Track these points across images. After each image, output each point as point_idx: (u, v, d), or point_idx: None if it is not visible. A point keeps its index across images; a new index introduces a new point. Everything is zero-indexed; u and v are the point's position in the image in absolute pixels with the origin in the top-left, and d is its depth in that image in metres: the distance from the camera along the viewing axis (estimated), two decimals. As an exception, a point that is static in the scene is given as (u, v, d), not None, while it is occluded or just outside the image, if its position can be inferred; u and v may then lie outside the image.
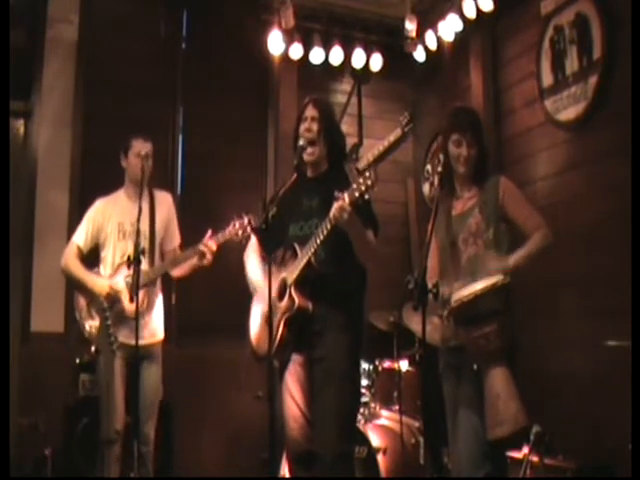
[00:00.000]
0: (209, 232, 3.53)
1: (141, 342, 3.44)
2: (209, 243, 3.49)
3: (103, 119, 4.75)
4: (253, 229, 3.29)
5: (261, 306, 3.07)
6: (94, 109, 4.75)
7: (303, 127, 3.01)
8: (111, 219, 3.66)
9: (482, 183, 2.95)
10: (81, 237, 3.65)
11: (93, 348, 3.52)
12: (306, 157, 2.97)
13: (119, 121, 4.72)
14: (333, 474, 2.74)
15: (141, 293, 3.42)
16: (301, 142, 2.95)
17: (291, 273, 2.87)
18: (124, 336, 3.42)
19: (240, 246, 3.34)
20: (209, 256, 3.51)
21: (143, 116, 4.85)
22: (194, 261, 3.58)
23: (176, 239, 3.77)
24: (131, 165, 3.64)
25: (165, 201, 3.82)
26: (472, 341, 2.67)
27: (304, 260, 2.83)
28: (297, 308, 2.82)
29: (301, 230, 2.95)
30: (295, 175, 3.00)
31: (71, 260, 3.62)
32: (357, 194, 2.59)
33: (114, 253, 3.61)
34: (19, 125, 4.68)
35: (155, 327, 3.67)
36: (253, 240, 3.25)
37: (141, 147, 3.65)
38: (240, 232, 3.39)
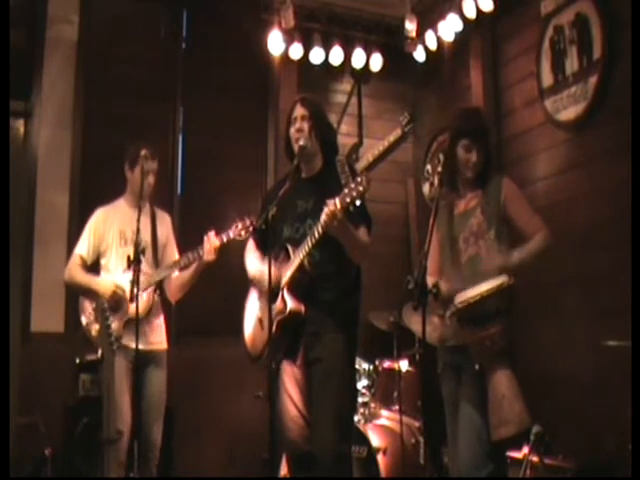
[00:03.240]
0: (213, 231, 3.53)
1: (148, 347, 3.50)
2: (212, 239, 3.49)
3: (103, 119, 4.75)
4: (255, 230, 3.29)
5: (255, 306, 3.08)
6: (94, 109, 4.74)
7: (294, 128, 3.00)
8: (112, 227, 3.66)
9: (485, 184, 2.95)
10: (84, 247, 3.65)
11: (100, 352, 3.51)
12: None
13: (119, 121, 4.72)
14: (332, 475, 2.74)
15: (146, 295, 3.47)
16: (302, 142, 2.93)
17: (283, 275, 2.87)
18: (131, 339, 3.38)
19: (240, 249, 3.34)
20: (213, 252, 3.48)
21: (143, 116, 4.85)
22: (195, 267, 3.58)
23: (175, 257, 3.75)
24: (135, 179, 3.60)
25: (165, 221, 3.84)
26: (477, 342, 2.68)
27: (296, 262, 2.82)
28: (290, 311, 2.82)
29: (297, 232, 2.93)
30: (295, 176, 2.99)
31: (75, 270, 3.63)
32: (348, 199, 2.57)
33: (116, 260, 3.61)
34: (19, 125, 4.68)
35: (162, 333, 3.69)
36: (250, 243, 3.25)
37: (148, 165, 3.60)
38: (243, 233, 3.40)
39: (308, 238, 2.77)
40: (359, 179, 2.59)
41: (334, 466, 2.74)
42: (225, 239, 3.48)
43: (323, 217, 2.63)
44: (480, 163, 2.93)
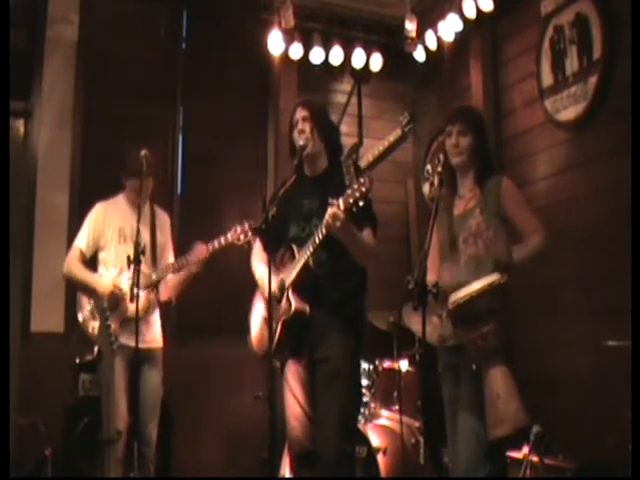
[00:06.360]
0: (199, 242, 3.56)
1: (144, 345, 3.48)
2: (199, 251, 3.54)
3: (103, 119, 4.75)
4: (254, 232, 3.30)
5: (261, 306, 3.08)
6: (94, 109, 4.75)
7: (296, 131, 3.00)
8: (112, 224, 3.66)
9: (484, 182, 2.95)
10: (83, 241, 3.64)
11: (96, 349, 3.52)
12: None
13: (119, 121, 4.73)
14: (335, 474, 2.75)
15: (145, 295, 3.46)
16: (301, 142, 2.95)
17: (288, 275, 2.88)
18: (127, 338, 3.41)
19: (240, 249, 3.35)
20: (200, 263, 3.57)
21: (143, 116, 4.86)
22: (187, 273, 3.62)
23: (170, 257, 3.77)
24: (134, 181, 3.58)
25: (164, 221, 3.85)
26: (470, 341, 2.67)
27: (301, 262, 2.83)
28: (294, 311, 2.82)
29: (303, 231, 2.94)
30: (295, 175, 2.99)
31: (74, 264, 3.62)
32: (351, 201, 2.56)
33: (115, 256, 3.61)
34: (19, 125, 4.67)
35: (158, 331, 3.70)
36: (258, 243, 3.25)
37: (147, 165, 3.55)
38: (242, 237, 3.43)
39: (312, 238, 2.77)
40: (362, 180, 2.58)
41: (337, 466, 2.75)
42: (224, 243, 3.51)
43: (326, 217, 2.63)
44: (463, 147, 2.90)
